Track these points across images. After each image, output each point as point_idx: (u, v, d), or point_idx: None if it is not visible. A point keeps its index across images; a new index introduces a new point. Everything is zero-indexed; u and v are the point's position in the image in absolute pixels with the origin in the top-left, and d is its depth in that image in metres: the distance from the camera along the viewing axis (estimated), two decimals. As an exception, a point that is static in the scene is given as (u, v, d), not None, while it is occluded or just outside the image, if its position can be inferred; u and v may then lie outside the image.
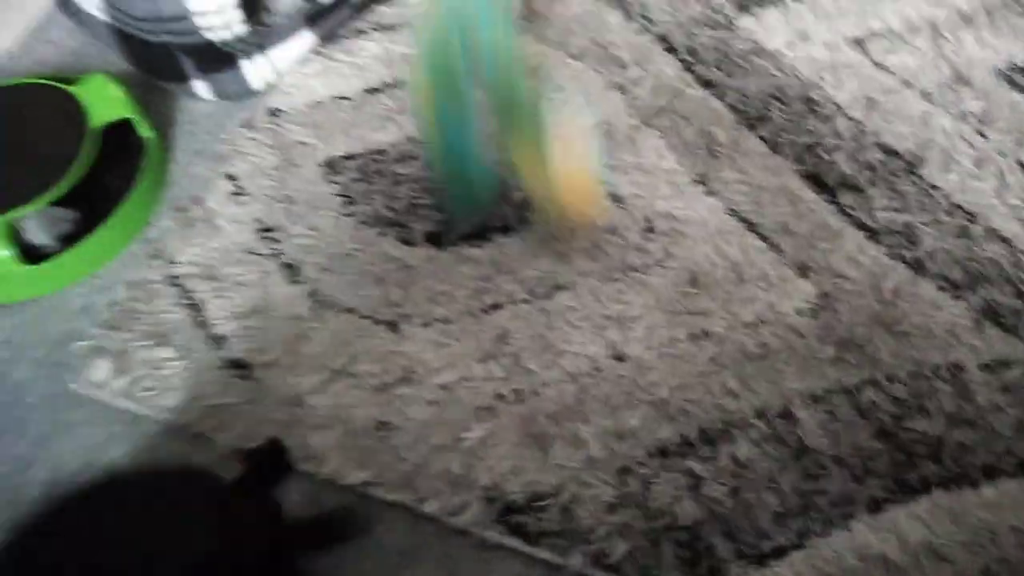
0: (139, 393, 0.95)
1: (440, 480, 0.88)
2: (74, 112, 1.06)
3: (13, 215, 0.99)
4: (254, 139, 1.15)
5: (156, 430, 0.94)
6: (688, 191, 1.07)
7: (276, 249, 1.05)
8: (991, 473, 0.86)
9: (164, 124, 1.19)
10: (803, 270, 1.00)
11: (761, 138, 1.11)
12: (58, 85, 1.10)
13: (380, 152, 1.13)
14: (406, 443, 0.90)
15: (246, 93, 1.19)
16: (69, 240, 1.04)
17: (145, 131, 1.11)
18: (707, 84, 1.17)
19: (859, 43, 1.19)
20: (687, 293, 0.99)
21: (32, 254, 1.01)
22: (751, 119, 1.13)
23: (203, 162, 1.15)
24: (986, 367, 0.92)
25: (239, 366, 0.96)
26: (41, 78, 1.13)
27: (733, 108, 1.14)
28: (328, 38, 1.23)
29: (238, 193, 1.10)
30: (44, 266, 1.01)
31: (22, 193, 1.00)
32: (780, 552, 0.83)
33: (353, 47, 1.24)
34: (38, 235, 1.02)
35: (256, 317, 1.00)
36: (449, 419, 0.92)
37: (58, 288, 1.05)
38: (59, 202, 1.02)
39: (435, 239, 1.05)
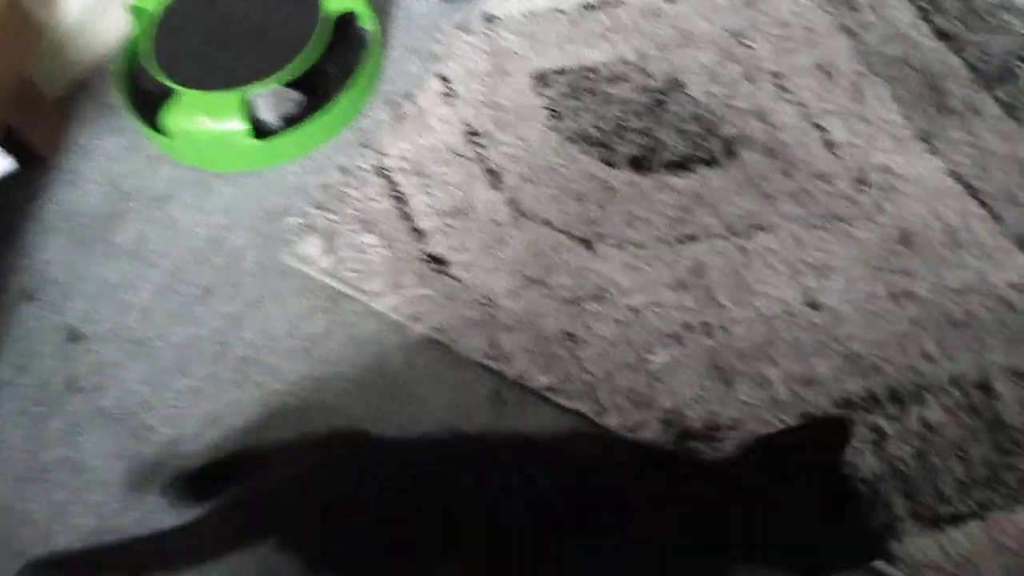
0: (344, 273, 1.01)
1: (621, 396, 0.90)
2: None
3: (249, 91, 1.05)
4: (468, 43, 1.17)
5: (356, 309, 1.00)
6: (909, 146, 1.03)
7: (481, 154, 1.08)
8: None
9: (383, 19, 1.22)
10: (1024, 244, 0.96)
11: (997, 100, 1.05)
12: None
13: (592, 70, 1.13)
14: (591, 356, 0.93)
15: (465, -4, 1.21)
16: (289, 121, 1.10)
17: (368, 24, 1.15)
18: (944, 36, 1.10)
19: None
20: (895, 251, 0.96)
21: (258, 130, 1.08)
22: (989, 79, 1.07)
23: (417, 60, 1.19)
24: None
25: (438, 261, 1.01)
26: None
27: (970, 65, 1.08)
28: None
29: (449, 94, 1.13)
30: (268, 142, 1.07)
31: (258, 71, 1.06)
32: (957, 519, 0.82)
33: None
34: (267, 113, 1.08)
35: (457, 217, 1.03)
36: (635, 340, 0.94)
37: (276, 164, 1.11)
38: (287, 84, 1.07)
39: (638, 163, 1.05)
